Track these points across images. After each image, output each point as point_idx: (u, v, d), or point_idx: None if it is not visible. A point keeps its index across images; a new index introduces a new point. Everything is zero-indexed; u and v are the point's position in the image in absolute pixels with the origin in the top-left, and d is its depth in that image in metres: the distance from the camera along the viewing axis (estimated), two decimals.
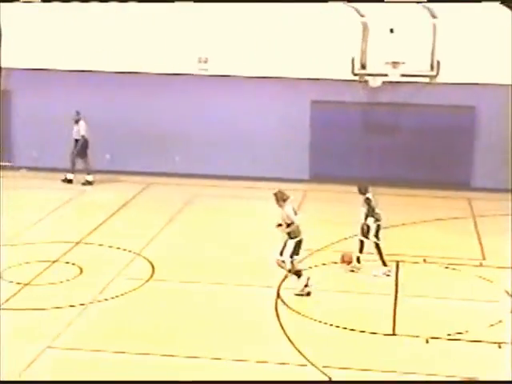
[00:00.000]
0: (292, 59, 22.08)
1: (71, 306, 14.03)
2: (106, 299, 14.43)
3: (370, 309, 14.32)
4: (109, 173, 22.91)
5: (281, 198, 14.51)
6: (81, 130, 22.09)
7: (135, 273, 15.73)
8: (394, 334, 13.21)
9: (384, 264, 15.80)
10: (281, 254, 14.57)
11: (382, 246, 15.80)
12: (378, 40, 20.85)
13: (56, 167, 22.99)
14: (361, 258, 15.98)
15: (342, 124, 22.53)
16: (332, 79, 21.94)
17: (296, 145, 22.70)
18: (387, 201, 18.79)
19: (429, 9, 20.45)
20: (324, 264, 16.27)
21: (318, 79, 22.06)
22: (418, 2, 20.82)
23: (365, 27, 21.11)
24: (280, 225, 14.49)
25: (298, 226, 14.52)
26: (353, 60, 21.21)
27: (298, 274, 14.70)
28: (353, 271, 15.92)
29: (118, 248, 17.08)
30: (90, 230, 18.23)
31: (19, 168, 23.48)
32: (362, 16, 21.01)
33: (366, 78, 21.55)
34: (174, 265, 16.21)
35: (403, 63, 20.52)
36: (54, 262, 16.22)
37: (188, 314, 13.92)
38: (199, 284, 15.23)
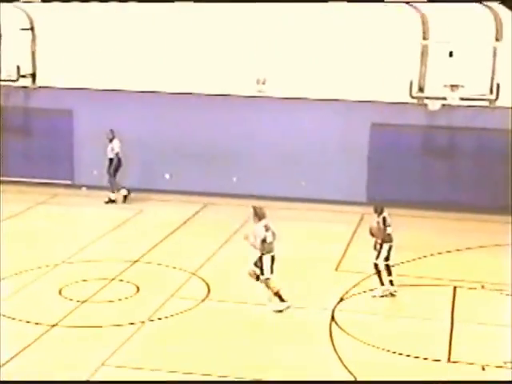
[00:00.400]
0: (352, 81, 22.07)
1: (127, 324, 14.19)
2: (160, 318, 14.54)
3: (425, 334, 14.18)
4: (168, 192, 23.14)
5: (258, 215, 14.96)
6: (115, 148, 22.35)
7: (191, 292, 15.84)
8: (449, 361, 13.05)
9: (381, 283, 15.68)
10: (255, 264, 14.90)
11: (382, 267, 15.63)
12: (437, 63, 20.75)
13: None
14: (393, 281, 15.81)
15: (400, 147, 22.42)
16: (392, 102, 21.89)
17: (354, 167, 22.65)
18: (446, 225, 18.70)
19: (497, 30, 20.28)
20: (372, 289, 16.17)
21: (377, 102, 22.02)
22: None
23: (424, 50, 21.04)
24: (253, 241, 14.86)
25: (271, 243, 14.80)
26: (411, 83, 21.13)
27: (279, 294, 14.86)
28: (393, 295, 15.75)
29: (175, 267, 17.22)
30: (148, 249, 18.42)
31: (80, 186, 23.86)
32: (425, 39, 20.96)
33: (426, 101, 21.44)
34: (230, 285, 16.28)
35: (462, 86, 20.38)
36: (111, 280, 16.43)
37: (242, 334, 13.95)
38: (254, 305, 15.26)
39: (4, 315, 14.43)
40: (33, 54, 23.35)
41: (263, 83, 22.59)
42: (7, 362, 12.57)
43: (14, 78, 22.73)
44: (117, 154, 22.30)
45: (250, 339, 13.75)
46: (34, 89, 23.63)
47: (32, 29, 23.15)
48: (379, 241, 15.69)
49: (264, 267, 14.83)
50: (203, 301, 15.44)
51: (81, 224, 20.67)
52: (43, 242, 18.95)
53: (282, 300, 15.00)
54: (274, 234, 14.97)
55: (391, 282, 15.83)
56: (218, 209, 22.29)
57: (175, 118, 23.32)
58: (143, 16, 22.86)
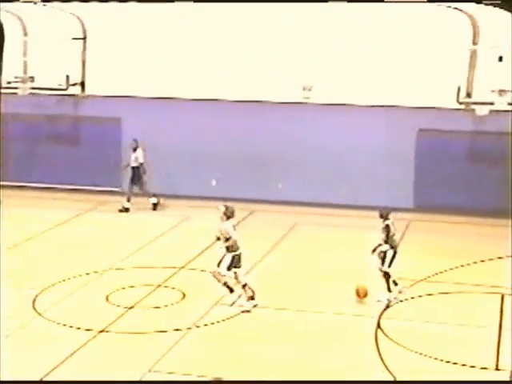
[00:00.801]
0: (399, 87, 21.95)
1: (173, 330, 14.28)
2: (206, 325, 14.63)
3: (472, 342, 14.04)
4: (214, 199, 23.18)
5: (227, 214, 15.40)
6: (139, 157, 22.51)
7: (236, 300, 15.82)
8: (497, 369, 12.90)
9: (389, 290, 15.63)
10: (218, 265, 15.29)
11: (391, 274, 15.64)
12: (484, 68, 20.55)
13: (163, 193, 23.55)
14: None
15: (447, 153, 22.26)
16: (439, 108, 21.73)
17: (401, 173, 22.53)
18: (493, 231, 18.48)
19: None
20: (420, 296, 16.05)
21: (424, 108, 21.88)
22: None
23: (473, 55, 20.86)
24: (219, 238, 15.37)
25: (235, 241, 15.29)
26: (459, 89, 20.96)
27: (230, 288, 15.39)
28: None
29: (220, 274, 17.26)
30: (194, 256, 18.52)
31: (152, 194, 24.10)
32: (475, 44, 20.78)
33: (473, 106, 21.24)
34: (275, 292, 16.29)
35: (511, 91, 20.15)
36: (157, 286, 16.56)
37: (286, 342, 13.95)
38: (299, 312, 15.26)
39: (53, 321, 14.64)
40: (83, 62, 23.65)
41: (309, 90, 22.59)
42: (55, 367, 12.75)
43: (64, 87, 23.04)
44: (141, 164, 22.48)
45: (295, 345, 13.75)
46: (84, 97, 23.95)
47: (84, 38, 23.46)
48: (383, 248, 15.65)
49: (223, 263, 15.28)
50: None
51: (128, 231, 20.87)
52: (91, 248, 19.19)
53: (231, 291, 15.53)
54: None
55: (395, 282, 15.81)
56: (263, 216, 22.32)
57: (222, 125, 23.43)
58: (192, 24, 23.06)
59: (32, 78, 23.07)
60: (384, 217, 15.88)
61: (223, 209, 15.55)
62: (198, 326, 14.53)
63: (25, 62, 23.39)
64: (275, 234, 20.30)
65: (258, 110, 23.13)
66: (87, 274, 17.15)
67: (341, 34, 22.07)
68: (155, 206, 22.77)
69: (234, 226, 15.50)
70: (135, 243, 19.45)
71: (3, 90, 23.04)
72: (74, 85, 23.39)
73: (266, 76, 22.69)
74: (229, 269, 15.30)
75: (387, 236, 15.67)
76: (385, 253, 15.67)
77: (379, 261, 15.72)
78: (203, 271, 17.47)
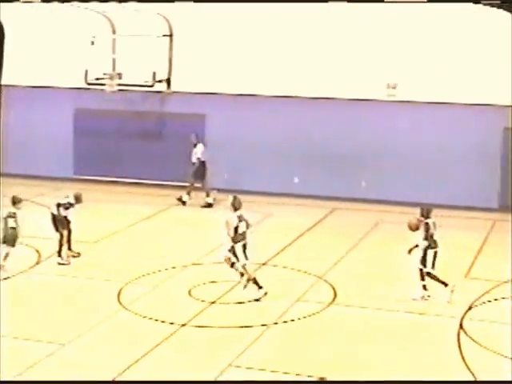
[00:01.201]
0: (483, 85, 21.63)
1: (254, 325, 14.39)
2: (286, 321, 14.67)
3: None
4: (296, 196, 23.31)
5: (235, 205, 15.71)
6: (198, 153, 22.73)
7: (317, 296, 15.91)
8: None
9: (444, 284, 15.41)
10: (230, 251, 15.66)
11: (434, 273, 15.41)
12: None
13: (246, 190, 23.69)
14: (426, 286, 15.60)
15: None
16: None
17: (486, 172, 22.18)
18: None
19: None
20: (503, 297, 15.78)
21: (510, 106, 21.49)
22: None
23: None
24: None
25: (242, 233, 15.59)
26: None
27: (255, 281, 15.62)
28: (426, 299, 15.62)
29: (301, 271, 17.34)
30: (276, 252, 18.61)
31: (211, 189, 24.32)
32: None
33: None
34: (356, 290, 16.26)
35: None
36: (239, 282, 16.67)
37: (367, 340, 13.91)
38: (380, 311, 15.19)
39: (137, 313, 14.92)
40: (169, 60, 23.99)
41: (394, 87, 22.43)
42: (137, 360, 12.97)
43: (150, 84, 23.40)
44: (198, 159, 22.71)
45: (375, 344, 13.70)
46: (169, 94, 24.30)
47: (170, 36, 23.79)
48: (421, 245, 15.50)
49: (238, 255, 15.56)
50: (329, 305, 15.47)
51: (210, 226, 21.04)
52: (175, 243, 19.47)
53: (259, 287, 15.64)
54: (247, 224, 15.71)
55: (424, 287, 15.59)
56: (346, 213, 22.27)
57: (305, 122, 23.48)
58: (276, 22, 23.17)
59: (120, 75, 23.49)
60: (425, 215, 15.65)
61: (231, 199, 15.89)
62: (276, 323, 14.58)
63: (113, 59, 23.83)
64: (357, 233, 20.23)
65: (342, 108, 23.08)
66: (172, 267, 17.40)
67: (426, 30, 21.86)
68: (210, 204, 22.92)
69: (241, 218, 15.71)
70: (217, 239, 19.58)
71: (92, 86, 23.59)
72: (160, 81, 23.71)
73: (351, 73, 22.63)
74: (246, 257, 15.61)
75: (426, 235, 15.49)
76: (424, 251, 15.49)
77: (419, 261, 15.57)
78: (285, 268, 17.56)
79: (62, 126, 25.02)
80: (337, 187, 23.25)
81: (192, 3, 23.06)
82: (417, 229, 15.62)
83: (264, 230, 20.73)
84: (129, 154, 24.13)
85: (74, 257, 17.75)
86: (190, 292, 16.04)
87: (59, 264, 17.46)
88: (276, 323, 14.60)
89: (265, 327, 14.36)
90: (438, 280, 15.54)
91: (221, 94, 23.85)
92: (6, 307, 15.23)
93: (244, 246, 15.67)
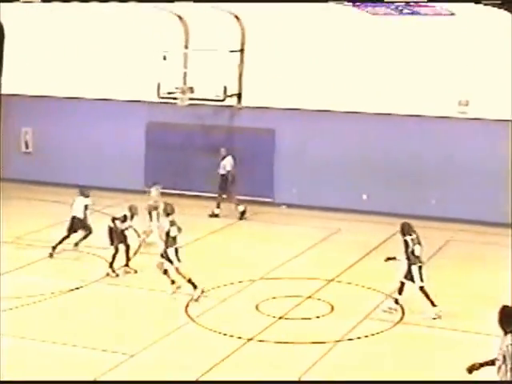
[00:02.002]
0: None
1: (320, 342, 14.33)
2: (351, 339, 14.58)
3: None
4: (364, 213, 23.17)
5: (167, 211, 16.36)
6: (227, 165, 22.85)
7: (385, 314, 15.76)
8: None
9: (432, 304, 15.46)
10: (162, 256, 16.34)
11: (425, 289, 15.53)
12: None
13: (314, 205, 23.71)
14: (398, 301, 15.77)
15: None
16: None
17: None
18: None
19: None
20: None
21: None
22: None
23: None
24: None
25: (174, 237, 16.23)
26: None
27: (190, 281, 16.20)
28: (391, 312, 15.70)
29: (370, 288, 17.21)
30: (344, 269, 18.51)
31: (279, 204, 24.38)
32: None
33: None
34: (425, 309, 16.04)
35: None
36: (307, 297, 16.66)
37: (434, 360, 13.72)
38: (446, 330, 14.99)
39: (204, 326, 15.00)
40: (240, 74, 24.14)
41: (466, 105, 22.16)
42: (203, 374, 13.01)
43: (221, 98, 23.56)
44: (228, 172, 22.84)
45: (440, 365, 13.49)
46: (239, 108, 24.43)
47: (242, 51, 23.95)
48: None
49: (171, 258, 16.21)
50: (397, 323, 15.32)
51: (280, 241, 21.10)
52: (243, 257, 19.51)
53: (194, 287, 16.19)
54: (179, 228, 16.34)
55: (396, 301, 15.80)
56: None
57: (374, 138, 23.36)
58: (345, 36, 23.15)
59: (191, 89, 23.69)
60: (405, 232, 15.84)
61: (163, 205, 16.60)
62: (344, 340, 14.50)
63: (184, 73, 24.07)
64: (426, 251, 19.89)
65: (412, 124, 22.88)
66: (239, 282, 17.45)
67: (497, 47, 21.52)
68: (242, 215, 22.98)
69: (173, 222, 16.30)
70: (286, 254, 19.64)
71: (164, 100, 23.86)
72: (230, 96, 23.85)
73: (422, 90, 22.44)
74: (178, 260, 16.31)
75: (406, 252, 15.67)
76: (409, 267, 15.63)
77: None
78: (349, 284, 17.46)
79: (134, 138, 25.36)
80: (406, 204, 22.99)
81: (264, 19, 23.25)
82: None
83: (331, 246, 20.71)
84: (198, 168, 24.29)
85: (128, 273, 17.86)
86: (257, 307, 16.06)
87: (107, 275, 17.56)
88: (343, 340, 14.51)
89: (332, 344, 14.28)
90: (427, 297, 15.53)
91: (291, 109, 23.87)
92: (77, 317, 15.49)
93: (176, 250, 16.31)
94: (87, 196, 19.28)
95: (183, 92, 23.59)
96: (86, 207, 19.13)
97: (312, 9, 22.68)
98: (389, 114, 22.97)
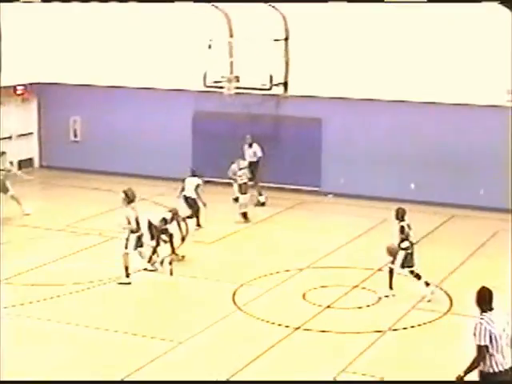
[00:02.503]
0: None
1: (368, 331, 14.31)
2: (397, 329, 14.53)
3: None
4: (412, 202, 22.95)
5: (128, 199, 16.46)
6: (257, 152, 22.97)
7: (433, 304, 15.68)
8: None
9: (390, 287, 15.87)
10: (125, 247, 16.48)
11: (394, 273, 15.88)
12: None
13: (362, 194, 23.61)
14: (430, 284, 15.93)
15: None
16: None
17: None
18: None
19: None
20: None
21: None
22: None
23: None
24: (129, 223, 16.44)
25: (138, 224, 16.49)
26: None
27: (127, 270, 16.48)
28: (387, 296, 15.90)
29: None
30: (391, 258, 18.38)
31: (326, 193, 24.33)
32: None
33: None
34: (473, 300, 15.86)
35: None
36: (354, 287, 16.63)
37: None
38: None
39: (251, 315, 15.07)
40: (286, 63, 24.09)
41: None
42: (250, 362, 13.08)
43: (268, 87, 23.53)
44: (259, 158, 23.00)
45: None
46: (285, 97, 24.39)
47: (286, 39, 23.91)
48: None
49: (128, 244, 16.42)
50: (445, 314, 15.24)
51: (326, 230, 21.07)
52: (289, 246, 19.52)
53: (127, 275, 16.50)
54: (137, 215, 16.57)
55: (426, 284, 15.93)
56: (464, 221, 21.81)
57: (422, 127, 23.17)
58: (393, 24, 22.99)
59: (237, 78, 23.71)
60: (399, 218, 15.91)
61: (123, 195, 16.56)
62: (393, 330, 14.48)
63: (231, 63, 24.08)
64: (475, 240, 19.81)
65: (462, 113, 22.64)
66: (286, 270, 17.47)
67: None
68: (263, 204, 23.07)
69: (134, 209, 16.46)
70: (333, 243, 19.61)
71: (211, 89, 23.92)
72: (277, 85, 23.81)
73: (470, 79, 22.18)
74: (135, 248, 16.57)
75: (402, 237, 15.76)
76: (405, 250, 15.77)
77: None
78: (399, 274, 17.35)
79: (181, 127, 25.46)
80: (454, 194, 22.81)
81: (309, 6, 23.18)
82: (392, 254, 15.98)
83: (378, 236, 20.60)
84: (244, 156, 24.29)
85: (179, 260, 17.89)
86: (304, 295, 16.07)
87: (146, 270, 17.41)
88: (393, 330, 14.49)
89: (379, 334, 14.26)
90: (390, 280, 15.89)
91: (337, 98, 23.78)
92: (124, 304, 15.68)
93: (139, 237, 16.59)
94: (200, 176, 20.35)
95: (229, 81, 23.59)
96: (197, 187, 20.08)
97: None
98: (437, 103, 22.75)
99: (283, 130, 24.62)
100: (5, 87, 25.39)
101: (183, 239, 18.32)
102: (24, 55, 26.00)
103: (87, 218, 21.45)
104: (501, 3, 20.39)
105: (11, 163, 22.42)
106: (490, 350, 9.93)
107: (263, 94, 24.05)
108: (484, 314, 10.11)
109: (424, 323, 14.76)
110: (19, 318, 14.82)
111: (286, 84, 24.20)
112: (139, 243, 16.73)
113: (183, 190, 20.32)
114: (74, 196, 23.99)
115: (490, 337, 9.93)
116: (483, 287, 10.29)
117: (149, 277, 17.24)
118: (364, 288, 16.62)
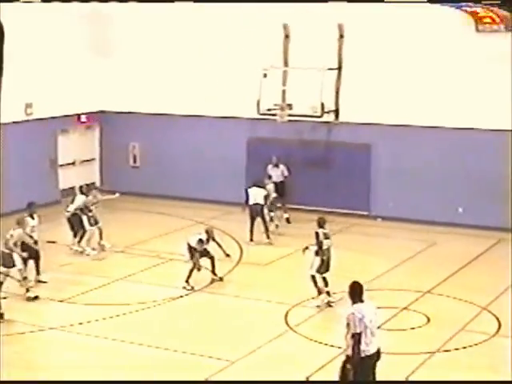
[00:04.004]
0: None
1: (416, 353, 14.65)
2: (447, 350, 14.80)
3: None
4: (460, 226, 23.33)
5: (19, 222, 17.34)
6: (284, 171, 23.76)
7: (481, 327, 15.98)
8: None
9: (318, 293, 16.89)
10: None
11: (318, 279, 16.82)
12: None
13: (410, 218, 24.02)
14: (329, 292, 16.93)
15: None
16: None
17: None
18: None
19: None
20: None
21: None
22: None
23: None
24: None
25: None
26: None
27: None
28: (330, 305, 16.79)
29: (466, 301, 17.42)
30: (439, 281, 18.77)
31: (375, 217, 24.78)
32: None
33: None
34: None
35: None
36: (402, 309, 17.02)
37: None
38: None
39: (302, 335, 15.57)
40: (337, 91, 24.73)
41: None
42: (303, 381, 13.54)
43: (319, 114, 24.13)
44: (285, 178, 23.80)
45: None
46: (336, 124, 25.00)
47: (339, 68, 24.56)
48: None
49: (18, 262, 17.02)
50: (494, 336, 15.50)
51: (376, 253, 21.47)
52: (340, 268, 19.77)
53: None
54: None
55: (328, 293, 16.90)
56: (510, 245, 22.04)
57: (470, 152, 23.45)
58: (442, 53, 23.53)
59: (290, 106, 24.38)
60: (320, 225, 16.99)
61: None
62: (440, 352, 14.79)
63: (283, 91, 24.81)
64: None
65: (506, 138, 22.93)
66: (333, 293, 17.95)
67: None
68: (288, 220, 23.98)
69: (25, 232, 17.40)
70: (382, 265, 20.01)
71: (264, 116, 24.64)
72: (328, 112, 24.41)
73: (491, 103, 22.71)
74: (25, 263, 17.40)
75: (316, 242, 16.84)
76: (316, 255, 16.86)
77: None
78: (445, 296, 17.73)
79: (236, 153, 26.12)
80: (502, 218, 23.04)
81: (359, 37, 23.83)
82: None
83: (427, 259, 20.98)
84: (297, 181, 24.90)
85: (217, 281, 18.65)
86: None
87: (183, 288, 18.17)
88: (440, 351, 14.79)
89: (427, 355, 14.58)
90: (315, 286, 16.90)
91: (387, 124, 24.32)
92: (183, 325, 16.29)
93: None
94: (264, 187, 21.99)
95: (282, 109, 24.26)
96: (265, 197, 21.79)
97: (406, 27, 23.23)
98: (484, 130, 23.10)
99: (334, 156, 25.17)
100: (70, 115, 26.56)
101: (228, 255, 19.33)
102: (88, 85, 27.21)
103: (145, 240, 22.24)
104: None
105: (98, 190, 22.65)
106: (362, 337, 11.01)
107: (315, 121, 24.66)
108: (355, 305, 11.30)
109: (473, 345, 14.98)
110: (80, 336, 15.56)
111: (336, 111, 24.82)
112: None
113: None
114: (132, 219, 24.77)
115: (362, 325, 11.03)
116: (354, 282, 11.53)
117: (204, 297, 17.89)
118: (414, 310, 16.95)
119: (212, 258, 18.58)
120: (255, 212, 21.68)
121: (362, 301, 11.37)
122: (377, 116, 24.31)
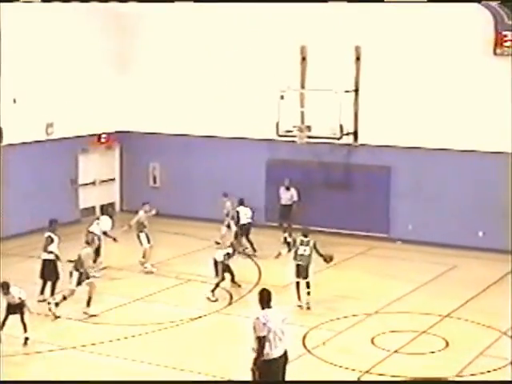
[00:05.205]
0: None
1: (434, 378, 14.61)
2: (462, 375, 14.71)
3: None
4: (480, 250, 23.22)
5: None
6: (294, 195, 23.90)
7: (500, 352, 15.88)
8: None
9: (298, 298, 18.41)
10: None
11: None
12: None
13: (429, 241, 23.95)
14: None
15: None
16: None
17: None
18: None
19: None
20: None
21: None
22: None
23: None
24: None
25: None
26: None
27: None
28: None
29: (485, 325, 17.37)
30: (459, 305, 18.72)
31: (395, 240, 24.73)
32: None
33: None
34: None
35: None
36: (422, 332, 16.97)
37: None
38: None
39: (320, 358, 15.54)
40: (356, 113, 24.79)
41: None
42: None
43: (338, 136, 24.19)
44: (294, 202, 23.87)
45: None
46: (355, 146, 25.03)
47: (356, 91, 24.63)
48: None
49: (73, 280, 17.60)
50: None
51: (395, 276, 21.41)
52: (359, 291, 19.94)
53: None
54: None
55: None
56: None
57: (489, 175, 23.39)
58: (461, 76, 23.56)
59: (309, 128, 24.45)
60: (304, 234, 18.50)
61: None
62: (460, 376, 14.75)
63: (302, 113, 24.90)
64: None
65: None
66: (353, 315, 17.93)
67: None
68: (289, 245, 23.63)
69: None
70: (402, 288, 19.97)
71: (283, 138, 24.71)
72: (347, 134, 24.46)
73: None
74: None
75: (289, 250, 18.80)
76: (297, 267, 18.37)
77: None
78: (465, 320, 17.65)
79: (255, 174, 26.23)
80: None
81: (376, 62, 23.90)
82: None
83: (447, 282, 20.90)
84: (316, 203, 24.91)
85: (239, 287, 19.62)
86: (372, 340, 16.49)
87: (207, 299, 18.87)
88: (458, 375, 14.73)
89: (445, 379, 14.55)
90: (297, 291, 18.33)
91: (406, 147, 24.32)
92: (198, 346, 16.30)
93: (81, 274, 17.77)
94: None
95: (301, 130, 24.35)
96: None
97: (425, 50, 23.29)
98: (504, 153, 23.07)
99: (353, 178, 25.19)
100: (90, 135, 26.80)
101: (255, 250, 21.63)
102: (108, 105, 27.50)
103: (164, 260, 22.30)
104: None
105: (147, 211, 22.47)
106: (267, 340, 11.61)
107: (334, 143, 24.72)
108: (262, 311, 11.88)
109: (491, 370, 14.89)
110: (100, 357, 15.62)
111: (355, 133, 24.88)
112: None
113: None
114: (152, 239, 24.81)
115: (266, 330, 11.61)
116: (263, 289, 12.14)
117: (221, 318, 17.92)
118: (433, 334, 16.90)
119: (232, 273, 19.53)
120: (247, 230, 22.74)
121: (269, 307, 12.00)
122: (396, 138, 24.36)
